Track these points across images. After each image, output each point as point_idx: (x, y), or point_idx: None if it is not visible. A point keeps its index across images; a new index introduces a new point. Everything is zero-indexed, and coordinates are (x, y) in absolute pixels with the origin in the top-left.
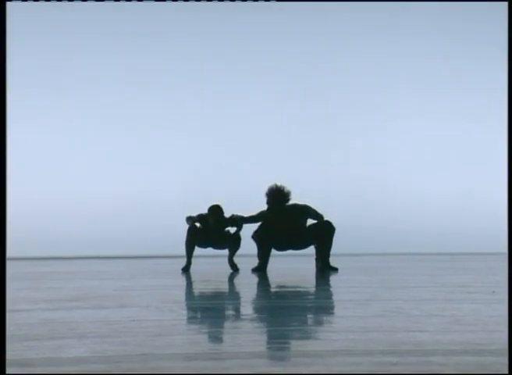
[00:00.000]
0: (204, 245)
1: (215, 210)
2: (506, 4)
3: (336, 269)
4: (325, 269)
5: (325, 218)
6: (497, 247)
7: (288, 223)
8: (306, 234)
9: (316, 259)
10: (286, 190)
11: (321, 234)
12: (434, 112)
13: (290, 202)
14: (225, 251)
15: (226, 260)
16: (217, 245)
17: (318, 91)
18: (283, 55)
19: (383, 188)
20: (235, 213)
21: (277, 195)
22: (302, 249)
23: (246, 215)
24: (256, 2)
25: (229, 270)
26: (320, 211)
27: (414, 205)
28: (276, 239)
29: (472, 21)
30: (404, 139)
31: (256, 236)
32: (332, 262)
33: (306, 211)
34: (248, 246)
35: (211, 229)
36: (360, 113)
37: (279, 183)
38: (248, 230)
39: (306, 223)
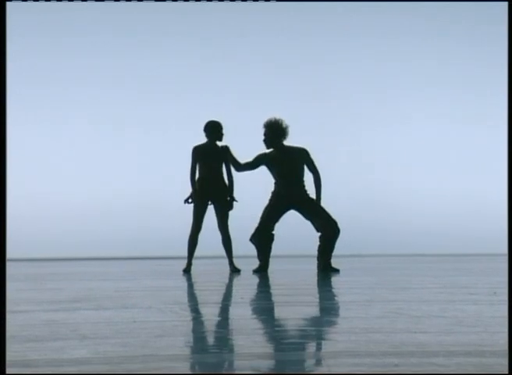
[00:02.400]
0: (205, 202)
1: (215, 126)
2: (506, 4)
3: (337, 271)
4: (326, 270)
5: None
6: (498, 248)
7: (287, 162)
8: (308, 200)
9: (318, 259)
10: (284, 124)
11: (324, 233)
12: (436, 113)
13: (288, 143)
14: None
15: (227, 262)
16: (215, 198)
17: (318, 91)
18: (283, 55)
19: (385, 189)
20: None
21: (276, 129)
22: (300, 213)
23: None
24: (256, 2)
25: (234, 271)
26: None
27: (415, 206)
28: (276, 197)
29: (472, 21)
30: (406, 139)
31: (254, 239)
32: (334, 263)
33: (305, 154)
34: (248, 247)
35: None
36: (361, 114)
37: (277, 117)
38: (247, 230)
39: (304, 170)
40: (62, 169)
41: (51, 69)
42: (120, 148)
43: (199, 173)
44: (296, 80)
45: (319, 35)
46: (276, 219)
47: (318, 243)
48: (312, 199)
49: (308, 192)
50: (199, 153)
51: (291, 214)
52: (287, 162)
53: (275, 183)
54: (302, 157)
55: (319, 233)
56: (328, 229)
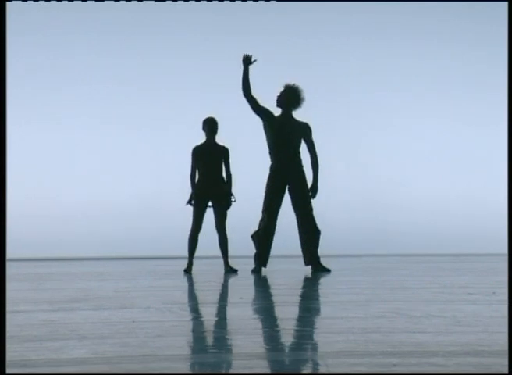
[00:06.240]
0: (205, 203)
1: (215, 122)
2: (506, 4)
3: (328, 271)
4: (317, 270)
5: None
6: (498, 248)
7: (287, 129)
8: (302, 185)
9: (303, 251)
10: (302, 95)
11: (303, 230)
12: (436, 113)
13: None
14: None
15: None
16: (214, 198)
17: (319, 91)
18: (282, 56)
19: (384, 189)
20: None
21: (293, 95)
22: (289, 194)
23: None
24: (256, 2)
25: (229, 271)
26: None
27: (415, 206)
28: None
29: (472, 21)
30: (406, 139)
31: (255, 236)
32: (333, 262)
33: (307, 130)
34: (247, 247)
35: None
36: (361, 114)
37: (300, 86)
38: (247, 229)
39: (300, 143)
40: (62, 169)
41: (50, 68)
42: (120, 147)
43: (199, 174)
44: (296, 80)
45: (319, 35)
46: (279, 204)
47: (298, 234)
48: (305, 186)
49: (304, 169)
50: (199, 154)
51: (290, 214)
52: (286, 130)
53: (270, 154)
54: (303, 130)
55: (298, 228)
56: (306, 227)
